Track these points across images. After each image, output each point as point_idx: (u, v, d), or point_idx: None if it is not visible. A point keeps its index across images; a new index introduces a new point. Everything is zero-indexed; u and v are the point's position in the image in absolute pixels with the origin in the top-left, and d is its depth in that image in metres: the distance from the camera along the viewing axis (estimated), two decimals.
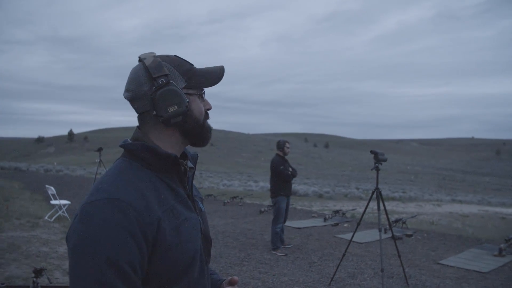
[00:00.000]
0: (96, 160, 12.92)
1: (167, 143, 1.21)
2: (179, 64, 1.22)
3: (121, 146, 1.21)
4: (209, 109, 1.30)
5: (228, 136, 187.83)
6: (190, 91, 1.21)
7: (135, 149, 1.18)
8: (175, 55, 1.25)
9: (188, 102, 1.18)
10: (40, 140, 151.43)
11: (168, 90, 1.15)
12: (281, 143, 7.55)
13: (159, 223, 1.07)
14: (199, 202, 1.34)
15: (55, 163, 58.39)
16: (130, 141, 1.21)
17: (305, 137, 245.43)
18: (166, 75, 1.16)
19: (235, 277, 1.34)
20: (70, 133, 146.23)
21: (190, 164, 1.31)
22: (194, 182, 1.36)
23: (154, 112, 1.16)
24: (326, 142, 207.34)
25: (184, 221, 1.15)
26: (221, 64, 1.29)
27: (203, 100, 1.27)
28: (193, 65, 1.26)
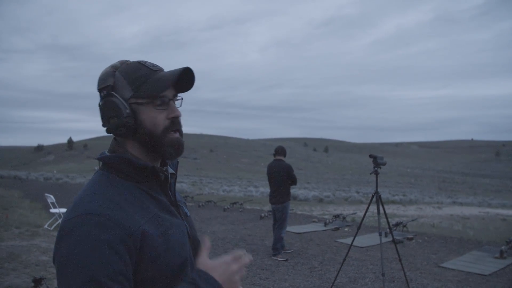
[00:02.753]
0: (96, 168, 12.89)
1: (136, 154, 1.19)
2: (132, 72, 1.17)
3: (98, 159, 1.20)
4: (174, 117, 1.18)
5: (228, 141, 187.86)
6: (140, 100, 1.15)
7: (112, 161, 1.17)
8: (139, 61, 1.20)
9: (129, 113, 1.13)
10: (39, 148, 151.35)
11: (108, 101, 1.14)
12: (284, 149, 7.66)
13: (143, 233, 1.06)
14: (184, 207, 1.33)
15: (54, 171, 58.37)
16: (107, 153, 1.21)
17: (305, 142, 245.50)
18: (107, 86, 1.15)
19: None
20: (70, 141, 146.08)
21: (170, 170, 1.28)
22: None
23: (102, 124, 1.16)
24: (326, 146, 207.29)
25: (170, 227, 1.14)
26: (186, 66, 1.19)
27: (165, 108, 1.17)
28: (157, 70, 1.18)
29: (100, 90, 1.17)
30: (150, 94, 1.14)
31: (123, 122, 1.13)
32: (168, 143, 1.17)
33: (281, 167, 7.42)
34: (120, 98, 1.14)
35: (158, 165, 1.24)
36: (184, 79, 1.21)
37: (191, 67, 1.19)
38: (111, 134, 1.20)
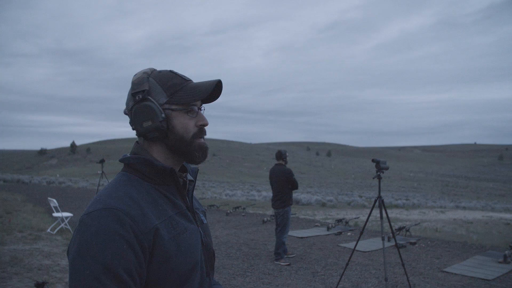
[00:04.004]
0: (99, 172, 12.97)
1: (159, 157, 1.24)
2: (166, 79, 1.22)
3: (120, 160, 1.24)
4: (203, 125, 1.26)
5: (231, 145, 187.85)
6: (173, 107, 1.21)
7: (133, 162, 1.22)
8: (170, 70, 1.26)
9: (164, 117, 1.19)
10: (42, 152, 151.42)
11: (143, 105, 1.19)
12: (283, 153, 7.61)
13: (156, 232, 1.09)
14: (201, 215, 1.35)
15: (57, 175, 58.43)
16: (129, 155, 1.25)
17: (308, 146, 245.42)
18: (143, 90, 1.20)
19: None
20: (73, 145, 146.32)
21: (189, 177, 1.32)
22: (197, 192, 1.37)
23: (133, 127, 1.21)
24: (329, 150, 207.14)
25: (183, 231, 1.17)
26: (218, 78, 1.27)
27: (194, 115, 1.24)
28: (188, 80, 1.26)
29: (134, 94, 1.21)
30: (185, 101, 1.21)
31: (158, 126, 1.18)
32: (196, 148, 1.24)
33: (280, 172, 7.42)
34: (156, 103, 1.19)
35: (177, 171, 1.28)
36: (214, 91, 1.28)
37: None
38: (141, 137, 1.24)
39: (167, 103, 1.21)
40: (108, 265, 0.99)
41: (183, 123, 1.22)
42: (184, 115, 1.23)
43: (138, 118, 1.20)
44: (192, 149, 1.23)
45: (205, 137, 1.28)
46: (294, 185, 7.39)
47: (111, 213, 1.05)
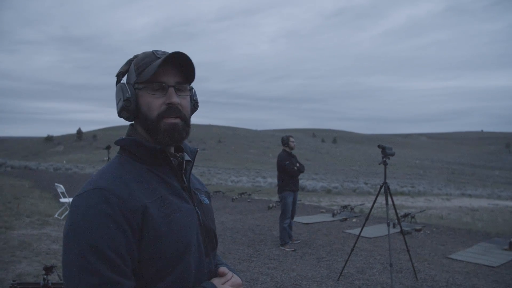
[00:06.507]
0: (105, 158, 13.03)
1: (147, 138, 1.23)
2: (141, 59, 1.23)
3: (115, 143, 1.26)
4: (170, 104, 1.18)
5: (236, 132, 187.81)
6: (140, 85, 1.20)
7: (125, 144, 1.23)
8: (153, 51, 1.24)
9: (129, 96, 1.19)
10: (49, 139, 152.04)
11: (117, 86, 1.23)
12: (284, 138, 7.58)
13: (145, 211, 1.10)
14: (201, 195, 1.35)
15: (64, 162, 58.71)
16: (123, 138, 1.26)
17: (313, 133, 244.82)
18: (121, 72, 1.24)
19: (223, 269, 1.30)
20: (79, 132, 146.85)
21: (187, 157, 1.31)
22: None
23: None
24: (334, 137, 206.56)
25: (176, 210, 1.17)
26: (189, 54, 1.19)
27: (163, 93, 1.19)
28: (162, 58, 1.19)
29: (116, 76, 1.25)
30: (145, 79, 1.19)
31: (123, 106, 1.20)
32: (162, 129, 1.19)
33: (277, 158, 7.46)
34: (125, 83, 1.22)
35: (172, 151, 1.27)
36: (183, 65, 1.22)
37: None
38: (122, 119, 1.26)
39: (136, 82, 1.21)
40: (95, 244, 1.01)
41: (146, 101, 1.19)
42: (145, 94, 1.20)
43: (116, 98, 1.23)
44: (158, 129, 1.19)
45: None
46: (285, 172, 7.29)
47: (98, 193, 1.07)
